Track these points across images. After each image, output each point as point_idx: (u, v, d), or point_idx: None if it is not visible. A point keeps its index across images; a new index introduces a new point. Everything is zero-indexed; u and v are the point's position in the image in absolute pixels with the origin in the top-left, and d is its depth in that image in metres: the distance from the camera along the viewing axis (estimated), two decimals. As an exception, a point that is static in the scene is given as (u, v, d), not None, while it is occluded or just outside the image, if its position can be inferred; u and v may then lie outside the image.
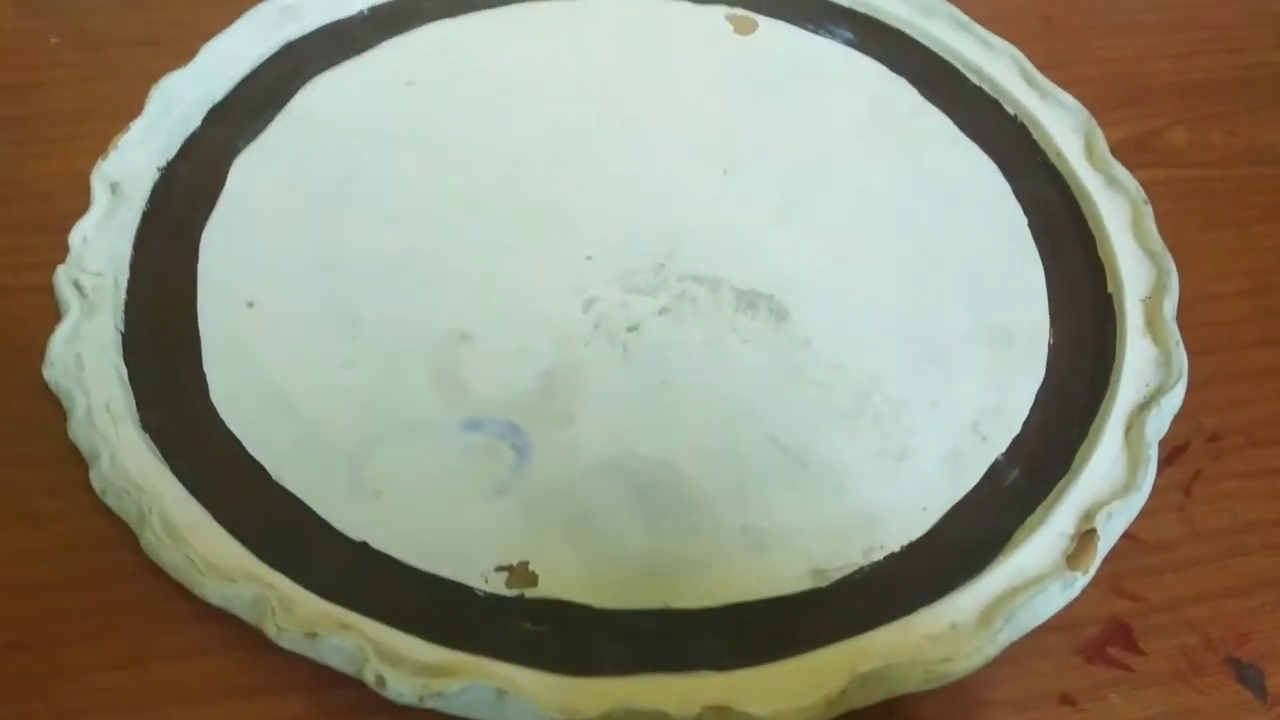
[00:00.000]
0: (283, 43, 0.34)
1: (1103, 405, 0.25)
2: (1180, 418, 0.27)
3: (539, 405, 0.26)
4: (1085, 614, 0.24)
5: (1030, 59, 0.35)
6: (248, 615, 0.21)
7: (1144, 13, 0.40)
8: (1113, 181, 0.30)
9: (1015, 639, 0.21)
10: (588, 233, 0.29)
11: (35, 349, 0.26)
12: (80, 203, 0.30)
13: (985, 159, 0.32)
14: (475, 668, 0.20)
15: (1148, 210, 0.29)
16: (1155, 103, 0.36)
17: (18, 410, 0.26)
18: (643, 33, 0.36)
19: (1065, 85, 0.35)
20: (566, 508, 0.24)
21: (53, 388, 0.25)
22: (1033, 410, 0.26)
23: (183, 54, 0.35)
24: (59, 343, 0.25)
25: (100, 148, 0.31)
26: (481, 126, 0.32)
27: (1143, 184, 0.33)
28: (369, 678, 0.20)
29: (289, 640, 0.20)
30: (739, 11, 0.37)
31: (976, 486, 0.24)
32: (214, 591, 0.21)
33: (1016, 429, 0.26)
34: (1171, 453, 0.27)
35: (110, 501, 0.23)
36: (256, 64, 0.33)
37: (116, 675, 0.22)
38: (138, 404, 0.25)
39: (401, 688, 0.20)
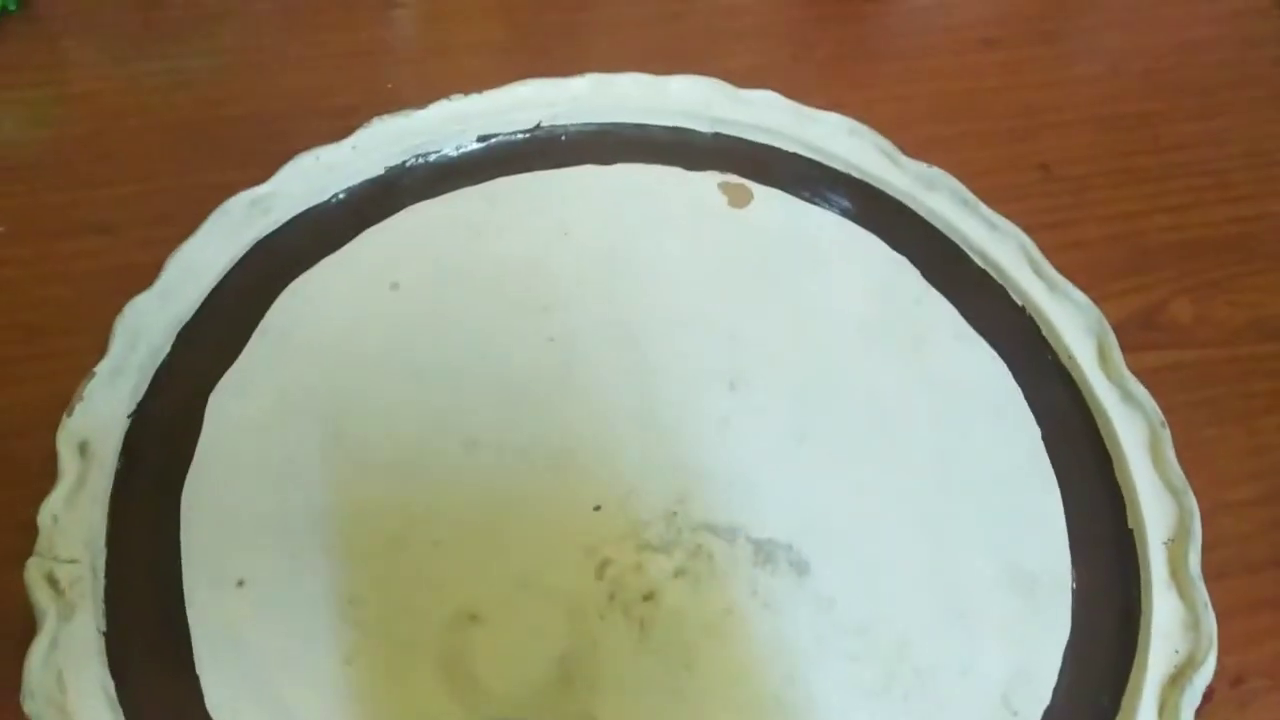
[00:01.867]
0: (254, 241, 0.32)
1: (1133, 675, 0.25)
2: (1202, 659, 0.27)
3: (554, 701, 0.24)
4: None
5: (1031, 216, 0.35)
6: None
7: (1140, 156, 0.39)
8: (1128, 397, 0.30)
9: None
10: (595, 478, 0.28)
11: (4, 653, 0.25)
12: (39, 449, 0.28)
13: (994, 356, 0.31)
14: None
15: (1166, 435, 0.29)
16: (1157, 269, 0.36)
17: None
18: (634, 212, 0.34)
19: (1067, 248, 0.35)
20: (594, 828, 0.23)
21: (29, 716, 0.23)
22: (1061, 673, 0.25)
23: (138, 242, 0.33)
24: (36, 664, 0.23)
25: (59, 373, 0.29)
26: (474, 343, 0.30)
27: (1150, 371, 0.32)
28: None
29: None
30: (732, 179, 0.35)
31: (1012, 775, 0.24)
32: None
33: (1047, 698, 0.25)
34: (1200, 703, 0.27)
35: None
36: (226, 270, 0.31)
37: None
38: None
39: None
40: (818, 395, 0.30)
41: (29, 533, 0.26)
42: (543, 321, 0.31)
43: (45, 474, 0.27)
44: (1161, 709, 0.24)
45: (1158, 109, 0.41)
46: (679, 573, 0.26)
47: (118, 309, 0.30)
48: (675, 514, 0.27)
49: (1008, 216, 0.34)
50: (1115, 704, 0.25)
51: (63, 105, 0.37)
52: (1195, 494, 0.29)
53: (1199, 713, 0.26)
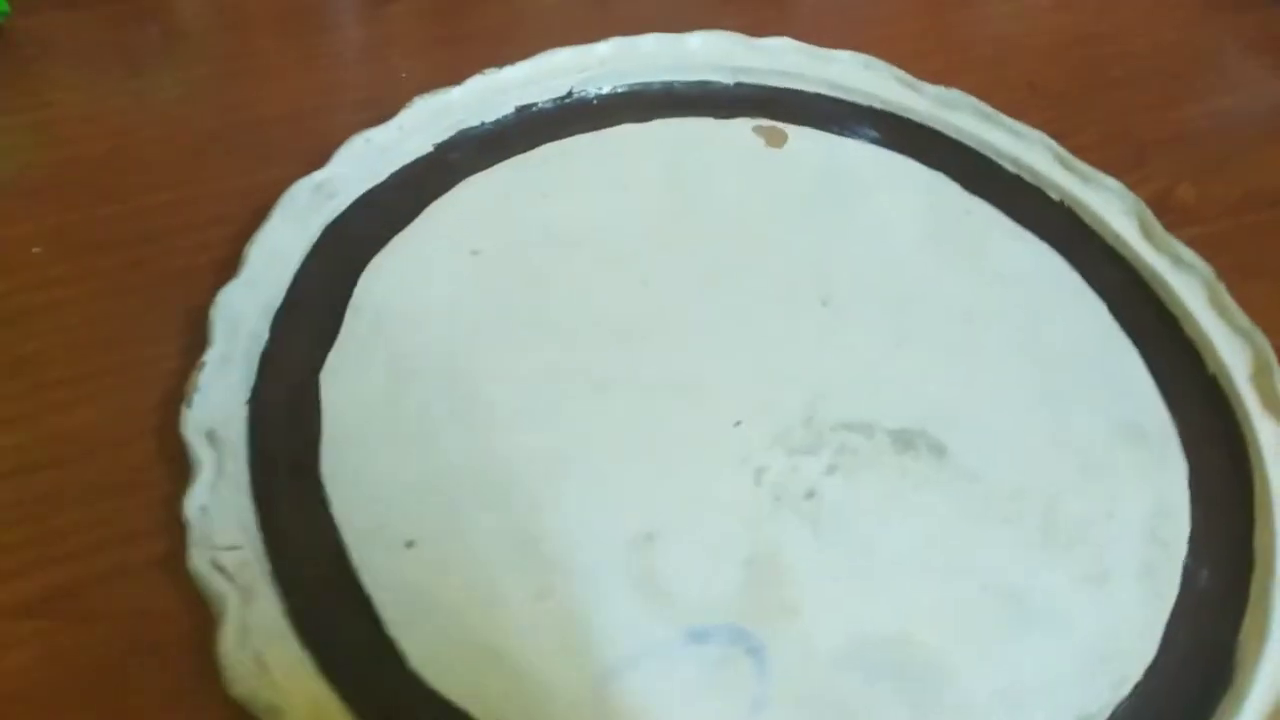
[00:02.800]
0: (323, 225, 0.31)
1: (1257, 492, 0.27)
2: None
3: (756, 599, 0.25)
4: None
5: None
6: None
7: (1110, 68, 0.43)
8: (1179, 261, 0.32)
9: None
10: (725, 398, 0.29)
11: (174, 649, 0.23)
12: (149, 447, 0.27)
13: (1047, 249, 0.34)
14: None
15: (1222, 287, 0.31)
16: (1154, 161, 0.39)
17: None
18: (680, 161, 0.35)
19: (1077, 153, 0.37)
20: (825, 708, 0.23)
21: (248, 705, 0.22)
22: (1193, 503, 0.27)
23: (193, 246, 0.32)
24: (231, 647, 0.22)
25: (145, 380, 0.28)
26: (569, 296, 0.31)
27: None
28: None
29: None
30: (765, 122, 0.37)
31: (1180, 596, 0.26)
32: None
33: (1187, 527, 0.27)
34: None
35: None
36: (304, 256, 0.31)
37: None
38: (345, 701, 0.22)
39: None
40: (901, 303, 0.31)
41: (154, 539, 0.25)
42: (629, 269, 0.32)
43: (152, 481, 0.26)
44: (1293, 511, 0.27)
45: (1110, 31, 0.45)
46: (831, 469, 0.27)
47: (186, 313, 0.30)
48: (811, 419, 0.28)
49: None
50: (1249, 520, 0.27)
51: (70, 126, 0.36)
52: None
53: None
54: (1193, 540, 0.27)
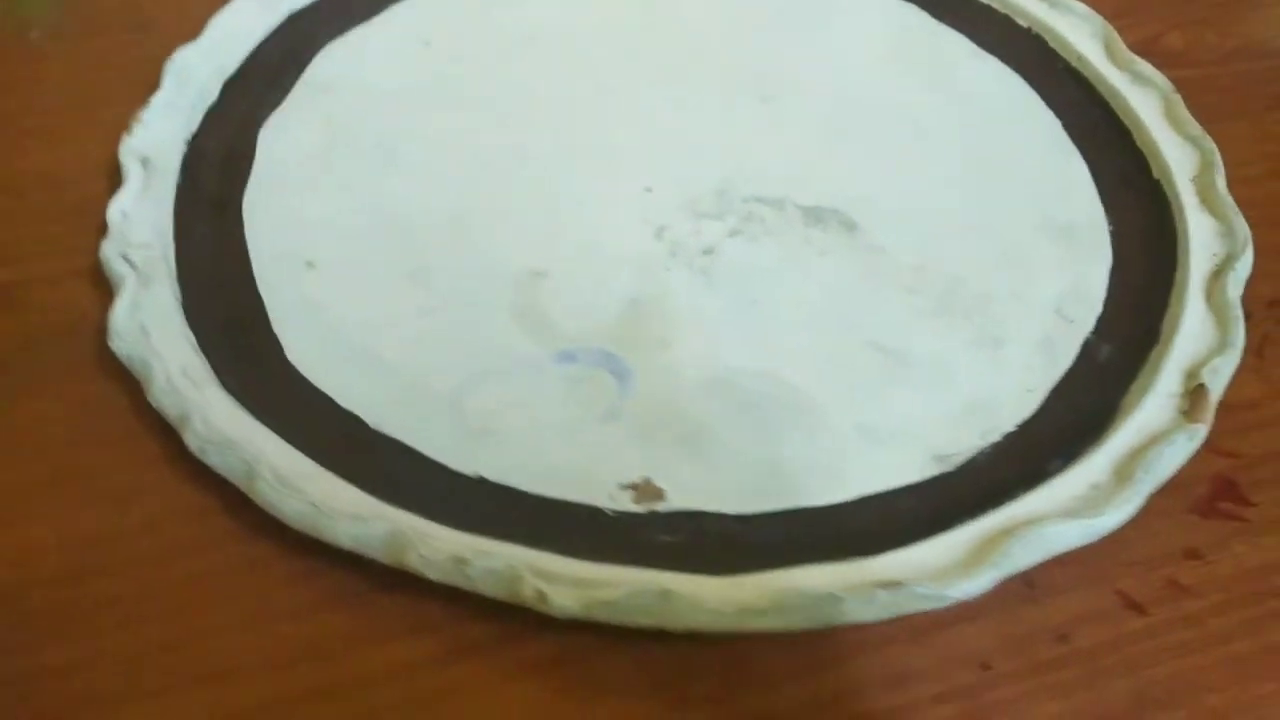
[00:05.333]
0: (287, 14, 0.33)
1: (1177, 276, 0.26)
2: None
3: (631, 332, 0.25)
4: (1190, 475, 0.24)
5: None
6: (384, 554, 0.20)
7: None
8: (1138, 77, 0.31)
9: (1154, 489, 0.22)
10: (642, 167, 0.29)
11: (85, 333, 0.25)
12: (100, 185, 0.28)
13: (1009, 71, 0.33)
14: (631, 576, 0.20)
15: (1177, 99, 0.30)
16: (1147, 10, 0.37)
17: (80, 393, 0.24)
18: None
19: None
20: (679, 424, 0.23)
21: (123, 359, 0.23)
22: (1110, 290, 0.26)
23: (179, 36, 0.34)
24: (121, 315, 0.24)
25: (112, 131, 0.30)
26: (510, 80, 0.31)
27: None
28: (527, 594, 0.19)
29: (437, 570, 0.20)
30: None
31: (1074, 365, 0.25)
32: (346, 532, 0.20)
33: (1099, 308, 0.26)
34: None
35: (212, 460, 0.21)
36: (264, 36, 0.32)
37: (238, 637, 0.21)
38: (214, 368, 0.24)
39: (564, 600, 0.19)
40: (846, 104, 0.31)
41: (88, 255, 0.27)
42: (577, 64, 0.32)
43: (96, 210, 0.27)
44: (1208, 295, 0.25)
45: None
46: (734, 233, 0.27)
47: (148, 85, 0.31)
48: (724, 191, 0.28)
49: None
50: (1164, 300, 0.26)
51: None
52: None
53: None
54: (1102, 320, 0.26)
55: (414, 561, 0.20)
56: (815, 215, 0.28)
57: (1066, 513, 0.21)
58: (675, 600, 0.19)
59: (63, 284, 0.27)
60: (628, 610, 0.19)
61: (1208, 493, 0.24)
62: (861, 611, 0.19)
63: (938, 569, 0.20)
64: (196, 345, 0.24)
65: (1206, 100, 0.34)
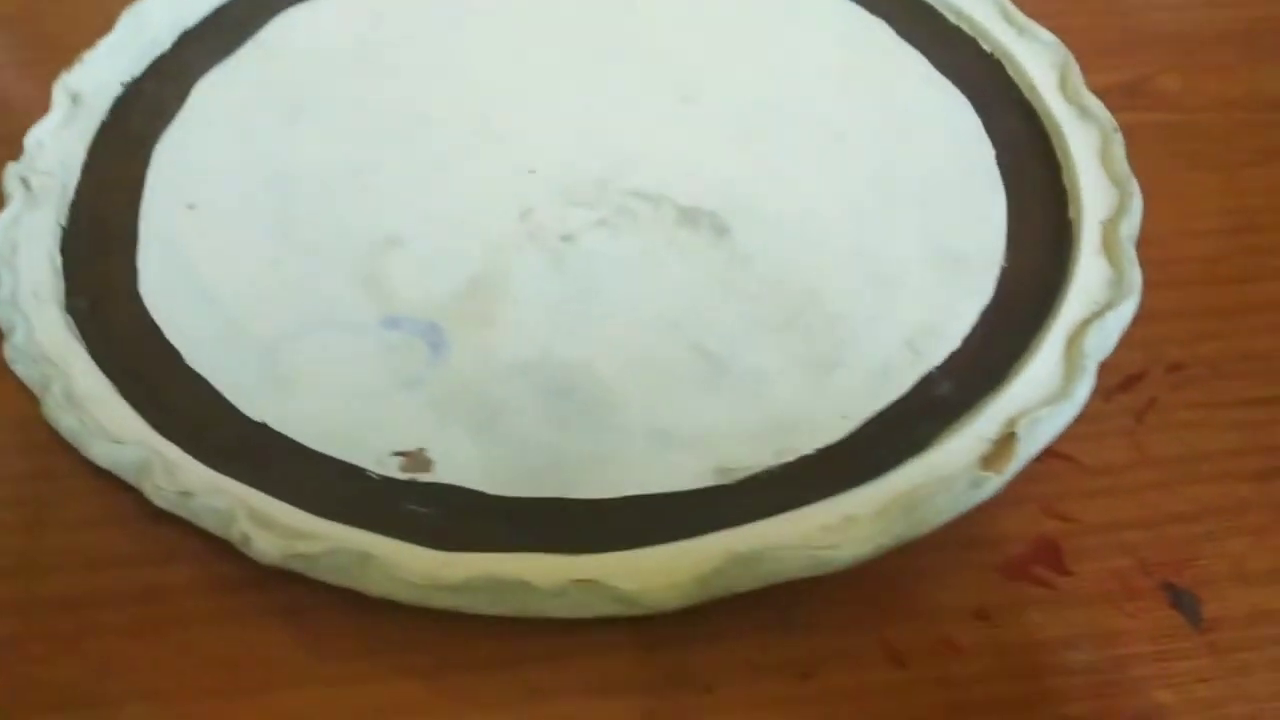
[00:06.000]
0: (259, -21, 0.35)
1: (1047, 321, 0.24)
2: (1141, 346, 0.26)
3: (460, 306, 0.25)
4: (1012, 531, 0.22)
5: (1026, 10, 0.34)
6: (131, 477, 0.21)
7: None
8: (1084, 112, 0.29)
9: (913, 534, 0.20)
10: (535, 149, 0.29)
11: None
12: (37, 119, 0.30)
13: (959, 96, 0.31)
14: (346, 535, 0.20)
15: (1117, 138, 0.28)
16: (1147, 50, 0.35)
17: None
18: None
19: (1061, 30, 0.34)
20: (475, 402, 0.23)
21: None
22: (975, 329, 0.25)
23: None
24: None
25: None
26: (442, 55, 0.32)
27: (1130, 126, 0.31)
28: (235, 536, 0.19)
29: (164, 500, 0.20)
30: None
31: (903, 398, 0.23)
32: (101, 453, 0.21)
33: (955, 345, 0.24)
34: (1128, 380, 0.25)
35: (19, 370, 0.23)
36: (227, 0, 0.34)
37: (15, 539, 0.22)
38: (67, 291, 0.25)
39: (265, 546, 0.19)
40: (768, 110, 0.30)
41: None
42: (512, 42, 0.32)
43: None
44: (1069, 344, 0.23)
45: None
46: (600, 223, 0.27)
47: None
48: (607, 181, 0.28)
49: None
50: (1025, 344, 0.24)
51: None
52: (1163, 222, 0.28)
53: (1128, 386, 0.25)
54: (953, 357, 0.24)
55: (148, 489, 0.20)
56: (690, 216, 0.27)
57: (803, 544, 0.19)
58: (372, 566, 0.19)
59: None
60: (326, 567, 0.19)
61: (1024, 553, 0.22)
62: (551, 605, 0.19)
63: (653, 573, 0.19)
64: (60, 267, 0.26)
65: (1187, 147, 0.32)
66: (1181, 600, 0.21)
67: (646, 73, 0.31)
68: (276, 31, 0.33)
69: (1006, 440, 0.21)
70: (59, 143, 0.28)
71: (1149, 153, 0.31)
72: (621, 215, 0.27)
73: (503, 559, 0.20)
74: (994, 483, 0.21)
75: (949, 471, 0.21)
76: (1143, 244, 0.28)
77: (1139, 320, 0.26)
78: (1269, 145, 0.31)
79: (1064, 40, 0.34)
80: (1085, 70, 0.33)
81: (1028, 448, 0.21)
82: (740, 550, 0.19)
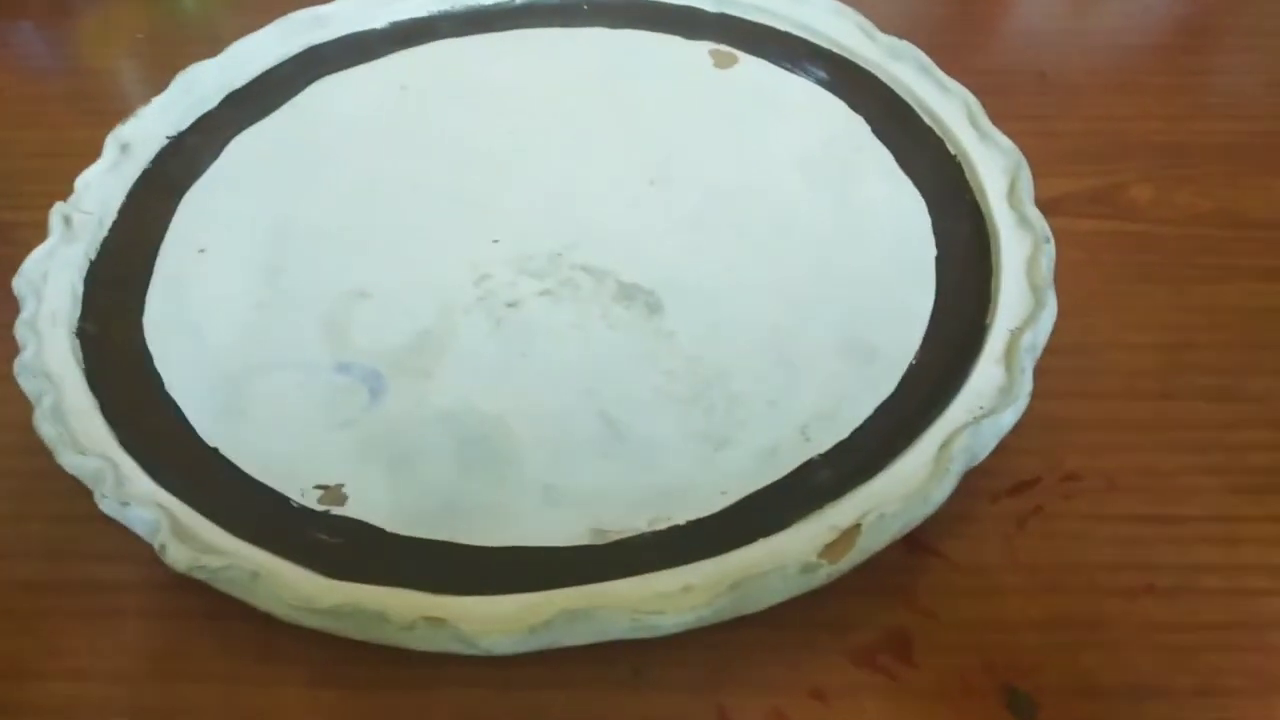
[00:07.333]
0: (306, 45, 0.39)
1: (932, 421, 0.25)
2: (1040, 453, 0.27)
3: (405, 359, 0.28)
4: (865, 619, 0.24)
5: (1018, 110, 0.36)
6: (88, 482, 0.24)
7: (1148, 75, 0.39)
8: (1022, 220, 0.30)
9: (741, 611, 0.21)
10: (504, 221, 0.32)
11: (6, 266, 0.31)
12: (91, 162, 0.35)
13: (914, 193, 0.32)
14: (248, 555, 0.23)
15: (1047, 248, 0.29)
16: (1128, 159, 0.35)
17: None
18: (626, 60, 0.38)
19: (1039, 135, 0.35)
20: (396, 445, 0.26)
21: (15, 293, 0.29)
22: (868, 421, 0.26)
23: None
24: (33, 259, 0.30)
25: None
26: (444, 127, 0.35)
27: (1090, 233, 0.33)
28: (156, 544, 0.23)
29: (107, 506, 0.24)
30: (724, 47, 0.39)
31: (782, 480, 0.25)
32: (68, 460, 0.25)
33: (844, 434, 0.26)
34: (1019, 485, 0.26)
35: (22, 381, 0.27)
36: (279, 61, 0.38)
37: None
38: (81, 316, 0.29)
39: (177, 556, 0.22)
40: (724, 198, 0.32)
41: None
42: (509, 121, 0.36)
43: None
44: (943, 446, 0.24)
45: (1181, 42, 0.41)
46: (544, 293, 0.30)
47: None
48: (560, 254, 0.31)
49: (1000, 121, 0.34)
50: (908, 441, 0.25)
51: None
52: (1097, 332, 0.29)
53: (1017, 492, 0.26)
54: (841, 447, 0.26)
55: (97, 495, 0.24)
56: (628, 292, 0.30)
57: (628, 607, 0.21)
58: (259, 583, 0.22)
59: (21, 229, 0.33)
60: (223, 580, 0.22)
61: (873, 641, 0.23)
62: (403, 637, 0.21)
63: (495, 619, 0.21)
64: (80, 295, 0.30)
65: (1142, 258, 0.32)
66: (1019, 703, 0.22)
67: (625, 155, 0.34)
68: (311, 96, 0.37)
69: (850, 532, 0.22)
70: (103, 186, 0.33)
71: (1103, 261, 0.32)
72: (565, 287, 0.30)
73: (374, 591, 0.22)
74: (825, 570, 0.22)
75: (788, 555, 0.22)
76: (1070, 353, 0.29)
77: (1044, 428, 0.27)
78: (1225, 263, 0.32)
79: (1047, 144, 0.35)
80: (1060, 174, 0.34)
81: (871, 542, 0.22)
82: (569, 607, 0.21)
